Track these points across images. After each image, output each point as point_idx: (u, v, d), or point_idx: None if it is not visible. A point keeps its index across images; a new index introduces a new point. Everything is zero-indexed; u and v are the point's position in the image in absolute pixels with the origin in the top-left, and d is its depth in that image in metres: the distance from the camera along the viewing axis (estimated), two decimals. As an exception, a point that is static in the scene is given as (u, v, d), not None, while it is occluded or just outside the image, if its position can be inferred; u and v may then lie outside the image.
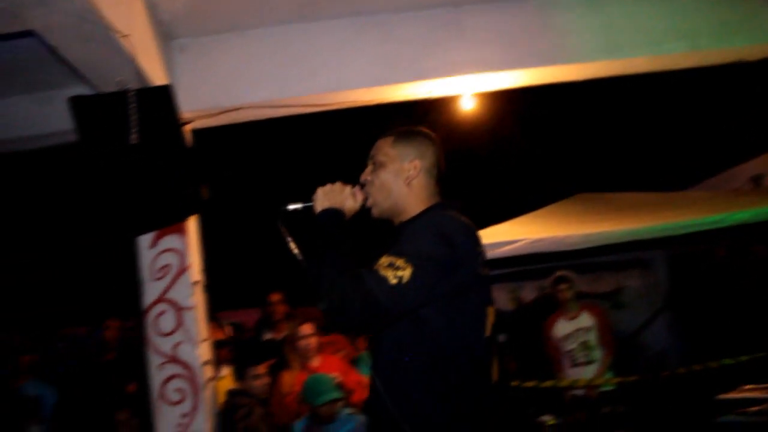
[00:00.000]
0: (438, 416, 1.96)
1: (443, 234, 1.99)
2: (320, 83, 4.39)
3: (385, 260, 1.93)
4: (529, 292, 9.01)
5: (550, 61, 4.39)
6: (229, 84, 4.43)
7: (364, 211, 2.24)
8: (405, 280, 1.89)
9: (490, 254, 5.07)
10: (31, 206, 8.35)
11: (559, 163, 10.42)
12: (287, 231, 2.19)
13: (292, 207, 2.26)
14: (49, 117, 4.47)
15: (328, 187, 2.20)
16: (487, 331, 2.08)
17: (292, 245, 2.18)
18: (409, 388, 1.99)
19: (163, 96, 3.59)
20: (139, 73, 3.65)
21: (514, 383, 5.77)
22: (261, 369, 4.46)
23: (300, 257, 2.17)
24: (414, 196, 2.21)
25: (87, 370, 5.77)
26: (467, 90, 4.69)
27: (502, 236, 5.23)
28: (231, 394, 4.41)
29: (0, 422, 4.38)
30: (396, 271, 1.89)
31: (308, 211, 2.20)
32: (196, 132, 4.61)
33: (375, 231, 2.28)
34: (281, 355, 4.94)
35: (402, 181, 2.20)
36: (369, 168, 2.26)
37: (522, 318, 8.18)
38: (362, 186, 2.26)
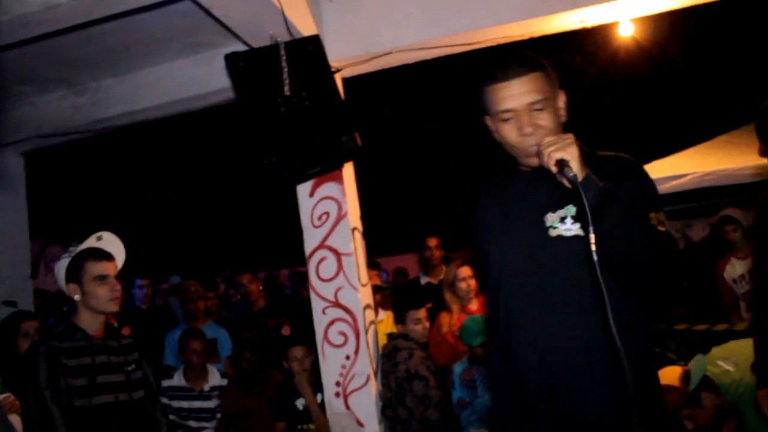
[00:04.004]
0: (653, 379, 1.98)
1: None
2: (469, 20, 4.25)
3: (656, 217, 1.86)
4: (699, 230, 8.51)
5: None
6: (377, 29, 4.40)
7: None
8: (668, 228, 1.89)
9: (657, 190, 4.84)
10: (198, 163, 8.89)
11: (731, 88, 9.55)
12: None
13: (569, 176, 1.75)
14: (210, 77, 4.68)
15: (574, 147, 1.79)
16: None
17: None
18: (641, 350, 1.92)
19: (312, 46, 3.63)
20: (289, 26, 3.71)
21: (682, 326, 5.47)
22: (421, 313, 4.51)
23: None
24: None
25: (248, 316, 6.14)
26: (624, 15, 4.35)
27: (668, 170, 4.88)
28: (391, 337, 4.51)
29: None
30: (662, 226, 1.85)
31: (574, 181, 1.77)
32: (348, 80, 4.65)
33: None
34: (439, 299, 4.98)
35: (560, 120, 2.03)
36: (536, 111, 1.97)
37: (692, 258, 7.74)
38: (528, 135, 1.96)
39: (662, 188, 4.80)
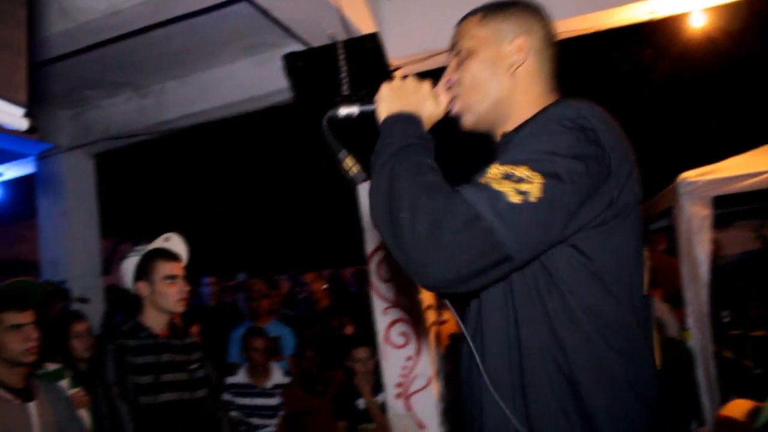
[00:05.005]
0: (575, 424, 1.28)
1: (584, 127, 1.28)
2: (532, 15, 4.14)
3: (496, 170, 1.24)
4: (779, 231, 8.15)
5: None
6: (436, 26, 4.31)
7: (450, 122, 1.58)
8: (533, 197, 1.18)
9: (730, 189, 4.62)
10: (264, 162, 9.00)
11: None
12: (338, 144, 1.58)
13: (344, 112, 1.62)
14: (271, 77, 4.71)
15: (398, 83, 1.51)
16: (645, 287, 1.37)
17: (349, 164, 1.58)
18: (528, 379, 1.31)
19: (371, 44, 3.60)
20: (347, 25, 3.69)
21: (758, 332, 5.22)
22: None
23: (359, 178, 1.56)
24: (523, 90, 1.50)
25: (312, 314, 6.18)
26: (696, 5, 4.17)
27: (743, 168, 4.65)
28: (454, 337, 4.46)
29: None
30: (518, 185, 1.19)
31: (369, 117, 1.57)
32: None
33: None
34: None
35: (503, 71, 1.50)
36: (453, 63, 1.57)
37: (769, 259, 7.42)
38: (447, 88, 1.57)
39: (736, 187, 4.58)
